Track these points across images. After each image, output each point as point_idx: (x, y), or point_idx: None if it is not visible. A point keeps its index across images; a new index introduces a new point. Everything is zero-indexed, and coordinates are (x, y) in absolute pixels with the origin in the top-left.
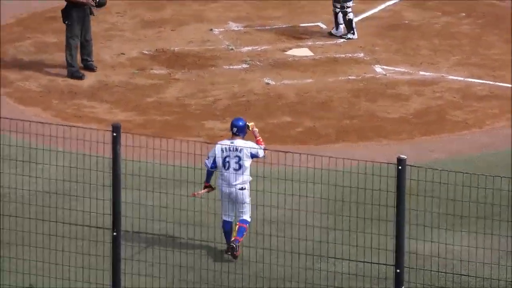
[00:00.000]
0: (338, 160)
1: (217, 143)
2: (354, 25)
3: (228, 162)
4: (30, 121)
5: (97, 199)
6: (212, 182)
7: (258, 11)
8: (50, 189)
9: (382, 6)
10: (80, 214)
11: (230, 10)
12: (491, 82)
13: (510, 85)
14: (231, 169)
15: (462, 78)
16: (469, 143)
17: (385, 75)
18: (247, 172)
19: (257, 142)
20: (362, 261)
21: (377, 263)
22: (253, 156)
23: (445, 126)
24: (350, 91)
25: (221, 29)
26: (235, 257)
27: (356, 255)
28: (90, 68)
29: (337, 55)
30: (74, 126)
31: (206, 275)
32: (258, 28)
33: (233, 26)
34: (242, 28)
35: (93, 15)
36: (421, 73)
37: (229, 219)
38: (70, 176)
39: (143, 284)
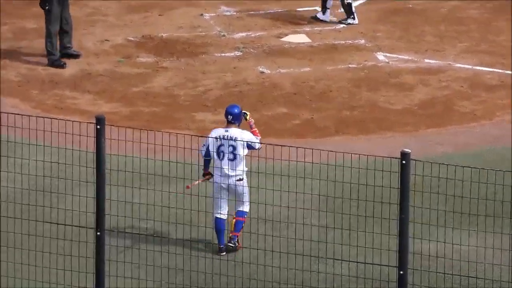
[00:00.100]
0: (338, 154)
1: (212, 131)
2: (354, 9)
3: (223, 151)
4: (7, 113)
5: (79, 196)
6: (211, 170)
7: None
8: (29, 185)
9: None
10: (61, 213)
11: None
12: (501, 71)
13: None
14: (225, 159)
15: (470, 66)
16: (478, 136)
17: (388, 63)
18: (244, 162)
19: (253, 134)
20: (363, 262)
21: (379, 264)
22: (249, 147)
23: (452, 117)
24: (350, 80)
25: (212, 14)
26: (235, 250)
27: (357, 255)
28: (73, 55)
29: (336, 42)
30: (55, 118)
31: (196, 277)
32: (252, 12)
33: (225, 10)
34: (234, 13)
35: None
36: (426, 61)
37: (222, 217)
38: (51, 172)
39: (129, 286)
